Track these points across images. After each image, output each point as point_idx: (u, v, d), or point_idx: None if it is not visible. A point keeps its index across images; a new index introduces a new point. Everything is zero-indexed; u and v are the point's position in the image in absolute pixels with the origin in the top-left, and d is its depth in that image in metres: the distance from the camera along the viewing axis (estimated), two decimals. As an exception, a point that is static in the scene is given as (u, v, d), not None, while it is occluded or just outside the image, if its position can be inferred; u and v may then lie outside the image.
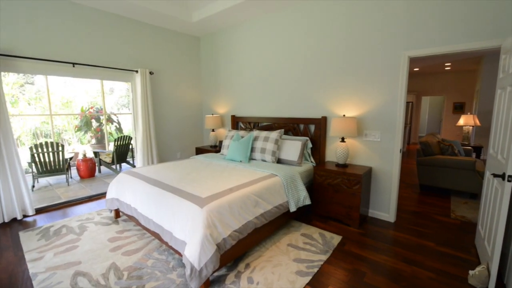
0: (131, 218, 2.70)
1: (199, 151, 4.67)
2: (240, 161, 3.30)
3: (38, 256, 2.29)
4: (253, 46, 4.10)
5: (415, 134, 9.73)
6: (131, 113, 4.30)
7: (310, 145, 3.35)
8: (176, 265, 2.13)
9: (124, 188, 2.72)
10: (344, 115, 3.08)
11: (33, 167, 4.20)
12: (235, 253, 2.07)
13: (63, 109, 7.57)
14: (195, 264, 1.70)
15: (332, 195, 2.91)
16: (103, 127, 7.50)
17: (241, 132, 3.81)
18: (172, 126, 4.79)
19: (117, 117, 7.98)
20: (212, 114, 4.86)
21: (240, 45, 4.30)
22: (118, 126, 7.99)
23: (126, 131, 8.04)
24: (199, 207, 1.91)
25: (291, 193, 2.65)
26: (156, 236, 2.29)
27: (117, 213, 3.06)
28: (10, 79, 6.65)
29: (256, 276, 1.99)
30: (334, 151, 3.30)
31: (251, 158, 3.42)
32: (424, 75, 8.67)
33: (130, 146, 5.42)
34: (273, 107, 3.97)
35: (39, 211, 3.33)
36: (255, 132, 3.52)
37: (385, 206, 3.00)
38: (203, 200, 2.00)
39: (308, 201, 2.79)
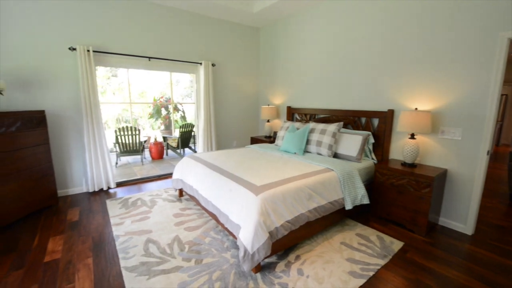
0: (192, 198, 2.97)
1: (254, 140, 4.79)
2: (295, 153, 3.26)
3: (120, 221, 2.72)
4: (313, 34, 3.93)
5: (507, 134, 8.04)
6: (194, 103, 4.66)
7: (372, 140, 3.10)
8: (230, 246, 2.27)
9: (187, 171, 2.99)
10: (416, 109, 2.73)
11: (117, 147, 4.97)
12: (286, 243, 2.09)
13: (139, 98, 8.66)
14: (248, 248, 1.78)
15: (395, 197, 2.65)
16: (171, 115, 8.33)
17: (297, 124, 3.75)
18: (230, 115, 5.01)
19: (182, 106, 8.75)
20: (268, 105, 4.90)
21: (299, 34, 4.18)
22: (183, 115, 8.78)
23: (189, 119, 8.78)
24: (254, 194, 1.97)
25: (348, 190, 2.52)
26: (213, 217, 2.47)
27: (181, 192, 3.40)
28: (100, 72, 7.91)
29: (306, 269, 1.98)
30: (401, 149, 2.98)
31: (306, 151, 3.35)
32: (528, 61, 6.99)
33: (192, 133, 5.91)
34: (332, 99, 3.77)
35: (119, 184, 3.95)
36: (312, 124, 3.42)
37: (461, 216, 2.60)
38: (258, 188, 2.06)
39: (366, 201, 2.61)
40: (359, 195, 2.59)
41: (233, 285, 1.81)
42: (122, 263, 2.04)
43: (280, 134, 3.85)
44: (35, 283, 1.85)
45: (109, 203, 3.21)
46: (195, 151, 5.88)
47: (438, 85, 2.63)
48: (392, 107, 3.04)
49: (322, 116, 3.90)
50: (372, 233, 2.51)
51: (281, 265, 2.03)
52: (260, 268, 1.97)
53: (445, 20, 2.53)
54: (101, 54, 3.50)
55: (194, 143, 6.10)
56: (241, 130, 5.25)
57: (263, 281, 1.85)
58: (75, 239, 2.42)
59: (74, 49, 3.25)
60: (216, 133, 4.80)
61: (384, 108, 3.12)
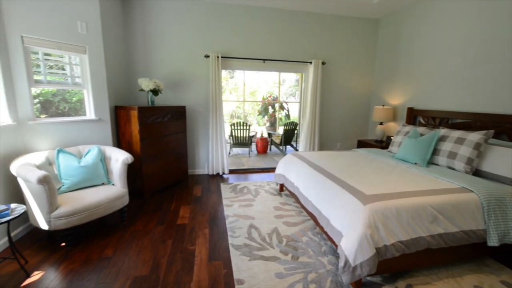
0: (292, 194, 3.04)
1: (361, 144, 4.38)
2: (415, 163, 2.76)
3: (230, 203, 3.13)
4: (450, 21, 3.15)
5: None
6: (298, 102, 4.72)
7: (544, 159, 2.21)
8: (327, 251, 2.19)
9: (290, 167, 3.08)
10: None
11: (230, 139, 5.71)
12: (396, 266, 1.82)
13: (250, 97, 9.59)
14: (350, 259, 1.66)
15: None
16: (277, 113, 8.80)
17: (420, 129, 3.15)
18: (336, 115, 4.78)
19: (287, 104, 9.06)
20: (383, 105, 4.35)
21: (431, 21, 3.45)
22: (287, 113, 9.09)
23: (293, 118, 8.99)
24: (361, 203, 1.81)
25: (495, 221, 1.91)
26: (312, 217, 2.44)
27: (281, 187, 3.55)
28: (222, 75, 9.27)
29: (420, 303, 1.66)
30: None
31: (431, 162, 2.77)
32: None
33: (295, 131, 6.03)
34: (475, 98, 2.93)
35: (231, 171, 4.52)
36: (443, 131, 2.79)
37: None
38: (367, 197, 1.87)
39: (525, 240, 1.90)
40: (514, 231, 1.91)
41: (329, 292, 1.74)
42: (230, 240, 2.34)
43: (397, 139, 3.35)
44: (170, 239, 2.39)
45: (222, 186, 3.74)
46: (296, 149, 5.98)
47: None
48: None
49: (458, 121, 3.11)
50: (531, 287, 1.82)
51: (386, 289, 1.78)
52: (361, 284, 1.79)
53: None
54: (226, 59, 4.09)
55: (296, 141, 6.21)
56: (347, 131, 4.91)
57: (364, 299, 1.68)
58: (198, 211, 2.96)
59: (208, 56, 3.93)
60: (320, 133, 4.69)
61: None
